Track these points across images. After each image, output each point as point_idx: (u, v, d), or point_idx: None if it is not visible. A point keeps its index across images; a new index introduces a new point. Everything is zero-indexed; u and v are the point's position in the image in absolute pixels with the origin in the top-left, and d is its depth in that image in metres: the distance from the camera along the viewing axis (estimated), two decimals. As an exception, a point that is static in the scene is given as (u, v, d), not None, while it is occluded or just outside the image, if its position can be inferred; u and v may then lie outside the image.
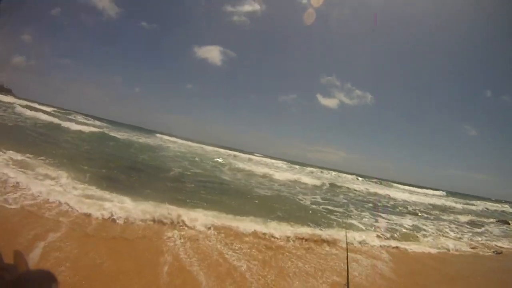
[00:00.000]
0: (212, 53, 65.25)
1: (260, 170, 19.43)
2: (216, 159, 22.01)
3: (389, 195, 20.13)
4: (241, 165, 20.06)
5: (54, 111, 37.51)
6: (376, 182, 37.09)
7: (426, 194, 31.22)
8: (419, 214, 15.45)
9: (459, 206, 20.57)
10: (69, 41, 69.77)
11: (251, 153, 50.99)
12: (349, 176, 40.08)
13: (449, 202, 23.25)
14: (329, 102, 66.46)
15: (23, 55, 64.26)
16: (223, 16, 64.80)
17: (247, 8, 59.53)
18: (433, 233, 10.67)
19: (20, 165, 7.82)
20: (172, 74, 78.11)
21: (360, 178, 39.35)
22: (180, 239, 5.63)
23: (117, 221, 5.82)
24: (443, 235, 10.53)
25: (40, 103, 43.22)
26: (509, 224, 17.51)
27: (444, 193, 40.37)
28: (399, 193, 22.45)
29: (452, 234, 11.21)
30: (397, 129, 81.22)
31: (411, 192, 29.15)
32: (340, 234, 7.41)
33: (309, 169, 38.49)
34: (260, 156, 49.34)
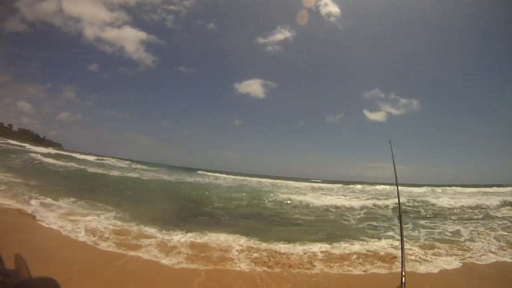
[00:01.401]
0: (254, 87, 67.42)
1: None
2: (267, 191, 21.86)
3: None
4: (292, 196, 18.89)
5: (97, 159, 40.86)
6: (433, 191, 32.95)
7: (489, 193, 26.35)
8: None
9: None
10: (112, 93, 77.86)
11: (308, 180, 49.68)
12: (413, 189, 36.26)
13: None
14: (377, 116, 63.04)
15: (68, 111, 73.52)
16: (257, 48, 67.40)
17: (278, 37, 61.49)
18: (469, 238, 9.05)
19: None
20: (217, 113, 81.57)
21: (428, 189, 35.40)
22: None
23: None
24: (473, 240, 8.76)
25: (86, 153, 46.18)
26: None
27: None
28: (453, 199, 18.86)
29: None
30: (450, 131, 72.71)
31: (471, 195, 24.93)
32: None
33: (369, 187, 36.19)
34: (318, 182, 47.78)
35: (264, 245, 7.29)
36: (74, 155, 39.57)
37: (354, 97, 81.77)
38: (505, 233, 9.68)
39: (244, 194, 17.84)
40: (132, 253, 6.25)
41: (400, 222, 3.47)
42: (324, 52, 76.94)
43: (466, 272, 6.35)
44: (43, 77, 73.21)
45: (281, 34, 62.66)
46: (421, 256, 7.06)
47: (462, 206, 15.73)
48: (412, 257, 6.90)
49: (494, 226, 10.73)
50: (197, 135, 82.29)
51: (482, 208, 15.33)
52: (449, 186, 39.22)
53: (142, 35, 64.11)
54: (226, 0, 67.46)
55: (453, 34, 63.07)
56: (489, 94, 66.09)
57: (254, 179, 39.61)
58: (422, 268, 6.37)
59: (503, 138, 65.22)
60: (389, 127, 64.58)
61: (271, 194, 18.35)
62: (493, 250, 7.80)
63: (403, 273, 2.64)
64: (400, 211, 3.67)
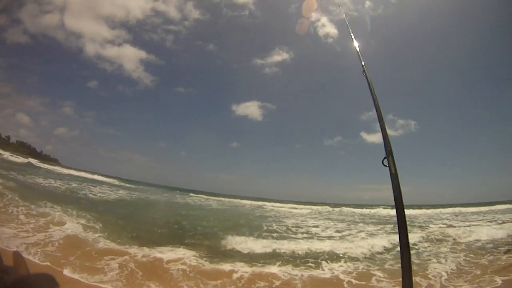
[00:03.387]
0: (251, 109, 66.87)
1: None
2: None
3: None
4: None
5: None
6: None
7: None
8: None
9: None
10: (110, 111, 77.22)
11: (307, 203, 48.58)
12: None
13: None
14: (374, 138, 62.87)
15: (66, 127, 73.35)
16: (255, 70, 67.62)
17: (276, 58, 61.61)
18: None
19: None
20: (215, 135, 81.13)
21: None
22: None
23: None
24: None
25: (81, 170, 44.89)
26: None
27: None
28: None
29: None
30: (450, 150, 73.00)
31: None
32: None
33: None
34: (319, 205, 46.86)
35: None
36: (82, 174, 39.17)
37: (351, 118, 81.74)
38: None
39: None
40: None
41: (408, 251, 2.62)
42: (321, 74, 77.78)
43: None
44: (43, 90, 73.58)
45: (279, 56, 63.02)
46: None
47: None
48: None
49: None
50: (194, 157, 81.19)
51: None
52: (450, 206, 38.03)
53: (142, 54, 64.33)
54: (225, 21, 68.26)
55: (449, 56, 64.20)
56: (486, 112, 66.56)
57: (249, 202, 38.74)
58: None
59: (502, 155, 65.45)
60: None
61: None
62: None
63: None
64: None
